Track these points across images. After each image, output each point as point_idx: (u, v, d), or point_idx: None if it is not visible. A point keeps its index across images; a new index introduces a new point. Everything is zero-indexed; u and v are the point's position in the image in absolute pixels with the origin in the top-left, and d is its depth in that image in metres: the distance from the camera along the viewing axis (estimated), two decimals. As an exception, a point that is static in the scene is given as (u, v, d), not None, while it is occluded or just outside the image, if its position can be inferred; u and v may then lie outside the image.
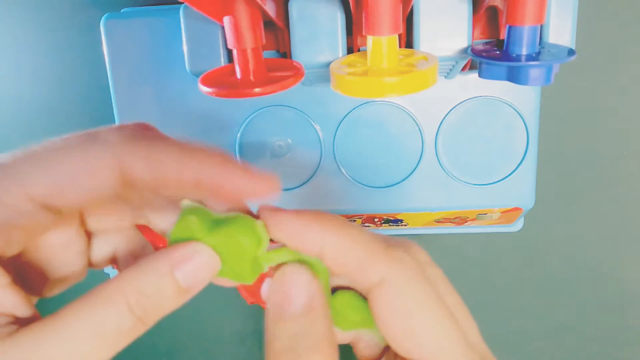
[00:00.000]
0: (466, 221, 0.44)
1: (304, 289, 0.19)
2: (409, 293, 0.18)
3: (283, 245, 0.20)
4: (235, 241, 0.19)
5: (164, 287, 0.18)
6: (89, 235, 0.22)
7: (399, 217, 0.42)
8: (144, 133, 0.18)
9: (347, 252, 0.19)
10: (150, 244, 0.23)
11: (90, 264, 0.22)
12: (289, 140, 0.40)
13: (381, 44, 0.26)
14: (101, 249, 0.22)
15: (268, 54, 0.35)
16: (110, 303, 0.17)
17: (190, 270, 0.18)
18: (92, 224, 0.22)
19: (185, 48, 0.33)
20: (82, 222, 0.22)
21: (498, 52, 0.29)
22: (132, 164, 0.17)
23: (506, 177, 0.39)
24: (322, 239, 0.19)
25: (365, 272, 0.19)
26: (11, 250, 0.18)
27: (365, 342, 0.22)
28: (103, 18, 0.38)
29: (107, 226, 0.22)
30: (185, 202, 0.20)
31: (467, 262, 0.49)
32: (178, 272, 0.18)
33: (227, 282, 0.20)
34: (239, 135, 0.40)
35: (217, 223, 0.19)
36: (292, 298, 0.19)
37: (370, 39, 0.27)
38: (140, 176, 0.17)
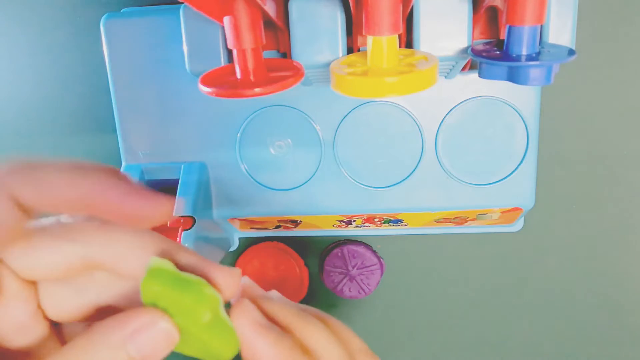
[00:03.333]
0: (466, 221, 0.44)
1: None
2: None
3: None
4: (188, 309, 0.18)
5: None
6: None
7: (399, 217, 0.42)
8: (30, 161, 0.18)
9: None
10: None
11: (54, 322, 0.20)
12: (289, 140, 0.40)
13: (381, 44, 0.26)
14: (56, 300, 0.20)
15: (268, 54, 0.35)
16: None
17: (144, 342, 0.17)
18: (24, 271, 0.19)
19: (185, 48, 0.33)
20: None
21: (498, 52, 0.29)
22: (20, 191, 0.17)
23: (506, 177, 0.39)
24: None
25: None
26: None
27: None
28: (103, 18, 0.38)
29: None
30: (153, 258, 0.18)
31: (467, 262, 0.49)
32: (131, 344, 0.17)
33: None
34: (239, 135, 0.40)
35: (179, 283, 0.18)
36: None
37: (370, 39, 0.27)
38: (30, 201, 0.17)
